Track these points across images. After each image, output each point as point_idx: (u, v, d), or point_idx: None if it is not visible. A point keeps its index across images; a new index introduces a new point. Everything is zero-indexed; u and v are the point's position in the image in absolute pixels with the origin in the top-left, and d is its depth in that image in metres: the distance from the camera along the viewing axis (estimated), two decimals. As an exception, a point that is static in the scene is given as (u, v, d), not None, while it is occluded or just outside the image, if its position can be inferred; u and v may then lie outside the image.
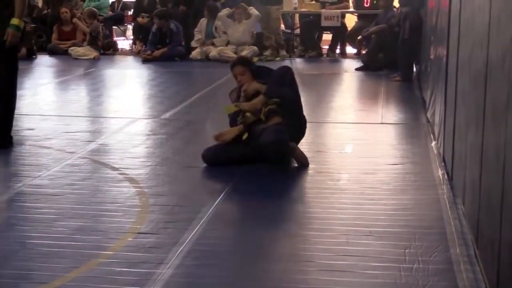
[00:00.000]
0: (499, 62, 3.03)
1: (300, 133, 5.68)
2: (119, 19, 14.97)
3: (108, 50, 13.80)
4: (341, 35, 13.40)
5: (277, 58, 12.82)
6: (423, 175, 5.30)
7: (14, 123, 6.31)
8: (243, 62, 5.74)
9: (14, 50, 6.00)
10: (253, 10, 12.63)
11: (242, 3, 12.87)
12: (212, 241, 3.99)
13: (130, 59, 13.26)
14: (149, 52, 12.74)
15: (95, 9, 13.84)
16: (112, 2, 15.20)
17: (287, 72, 5.65)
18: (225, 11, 12.86)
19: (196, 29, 13.12)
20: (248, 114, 5.42)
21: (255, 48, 12.72)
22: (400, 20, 10.32)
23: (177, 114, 7.78)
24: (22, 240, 3.98)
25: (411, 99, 8.75)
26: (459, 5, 4.72)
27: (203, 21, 13.17)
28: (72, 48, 13.10)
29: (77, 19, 13.66)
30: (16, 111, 6.31)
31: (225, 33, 12.91)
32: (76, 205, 4.62)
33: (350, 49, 13.55)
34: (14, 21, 5.77)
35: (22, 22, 5.91)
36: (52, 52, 13.47)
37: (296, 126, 5.55)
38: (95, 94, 9.72)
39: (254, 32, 12.92)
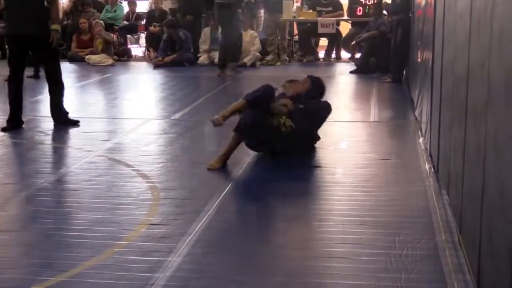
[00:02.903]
0: (479, 65, 3.03)
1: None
2: (132, 28, 14.94)
3: (123, 57, 13.81)
4: (336, 41, 13.41)
5: (278, 63, 12.80)
6: (412, 169, 5.30)
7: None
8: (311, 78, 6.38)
9: (56, 46, 7.17)
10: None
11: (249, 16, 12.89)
12: (217, 231, 4.00)
13: (143, 65, 13.26)
14: (160, 58, 12.76)
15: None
16: (127, 13, 15.18)
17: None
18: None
19: (201, 40, 13.09)
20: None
21: (257, 54, 12.69)
22: (392, 27, 10.30)
23: (186, 115, 7.78)
24: (45, 232, 3.99)
25: (400, 99, 8.73)
26: (442, 13, 4.72)
27: (206, 30, 13.15)
28: (89, 56, 13.13)
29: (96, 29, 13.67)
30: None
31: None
32: (93, 199, 4.63)
33: (344, 54, 13.55)
34: (55, 26, 7.02)
35: (60, 26, 7.09)
36: (72, 59, 13.48)
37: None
38: (111, 97, 9.72)
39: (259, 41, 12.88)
